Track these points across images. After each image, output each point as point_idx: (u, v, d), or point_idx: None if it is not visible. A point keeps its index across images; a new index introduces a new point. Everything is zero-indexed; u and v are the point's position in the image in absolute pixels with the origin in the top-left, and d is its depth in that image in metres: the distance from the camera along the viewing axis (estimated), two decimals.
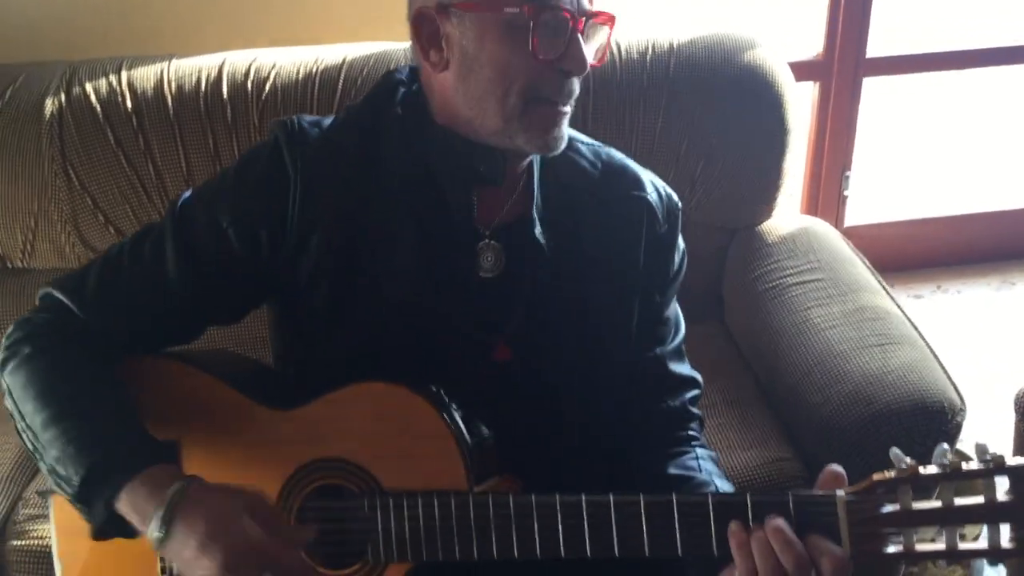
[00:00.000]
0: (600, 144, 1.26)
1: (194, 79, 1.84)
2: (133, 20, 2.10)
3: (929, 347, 1.67)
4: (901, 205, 3.49)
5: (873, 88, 2.76)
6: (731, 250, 2.02)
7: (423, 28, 1.10)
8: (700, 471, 1.23)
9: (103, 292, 1.15)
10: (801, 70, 2.36)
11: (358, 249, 1.14)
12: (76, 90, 1.83)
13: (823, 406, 1.61)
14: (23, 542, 1.53)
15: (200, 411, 1.17)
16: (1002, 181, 3.69)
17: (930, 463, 0.98)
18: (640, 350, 1.25)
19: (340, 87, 1.84)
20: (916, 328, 1.72)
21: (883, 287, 1.84)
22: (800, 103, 1.98)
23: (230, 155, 1.83)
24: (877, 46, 2.68)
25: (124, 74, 1.85)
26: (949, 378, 1.60)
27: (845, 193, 2.83)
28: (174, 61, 1.88)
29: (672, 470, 1.23)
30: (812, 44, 2.67)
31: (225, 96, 1.83)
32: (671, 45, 1.92)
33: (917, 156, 4.09)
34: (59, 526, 1.21)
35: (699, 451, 1.27)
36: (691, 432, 1.28)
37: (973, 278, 3.01)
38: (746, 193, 1.97)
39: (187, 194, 1.19)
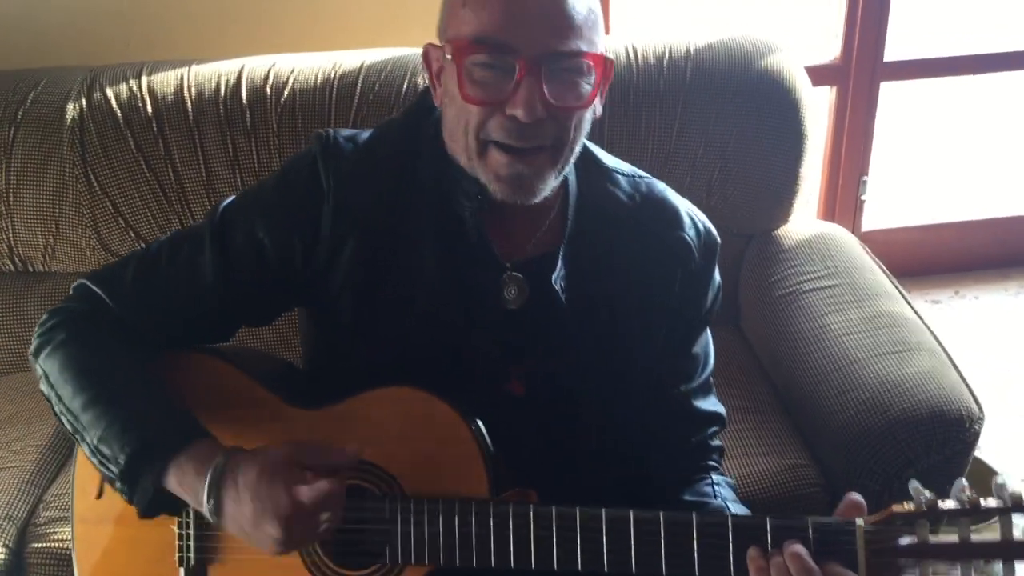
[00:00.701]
0: (640, 175, 1.24)
1: (213, 84, 1.86)
2: (153, 26, 2.12)
3: (947, 354, 1.66)
4: (919, 210, 3.48)
5: (890, 92, 2.74)
6: (747, 256, 2.02)
7: (431, 64, 1.13)
8: (715, 497, 1.23)
9: (138, 289, 1.16)
10: (818, 74, 2.35)
11: (386, 263, 1.15)
12: (97, 95, 1.85)
13: (840, 413, 1.60)
14: (43, 544, 1.54)
15: (228, 405, 1.18)
16: (1020, 186, 3.66)
17: (948, 497, 0.99)
18: (665, 387, 1.25)
19: (358, 92, 1.85)
20: (934, 335, 1.71)
21: (900, 293, 1.83)
22: (817, 108, 1.97)
23: (249, 160, 1.84)
24: (895, 50, 2.67)
25: (144, 79, 1.87)
26: (967, 386, 1.59)
27: (862, 198, 2.82)
28: (194, 66, 1.89)
29: (687, 496, 1.23)
30: (829, 48, 2.67)
31: (244, 101, 1.84)
32: (688, 50, 1.92)
33: (935, 161, 4.07)
34: (79, 514, 1.23)
35: (715, 477, 1.27)
36: (711, 463, 1.29)
37: (991, 284, 2.99)
38: (762, 198, 1.97)
39: (229, 200, 1.20)
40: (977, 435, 1.54)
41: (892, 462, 1.52)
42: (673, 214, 1.22)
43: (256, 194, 1.20)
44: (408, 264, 1.15)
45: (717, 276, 1.26)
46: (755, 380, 1.86)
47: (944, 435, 1.52)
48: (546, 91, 1.03)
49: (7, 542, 1.54)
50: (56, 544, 1.53)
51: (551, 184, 1.10)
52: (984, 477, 2.18)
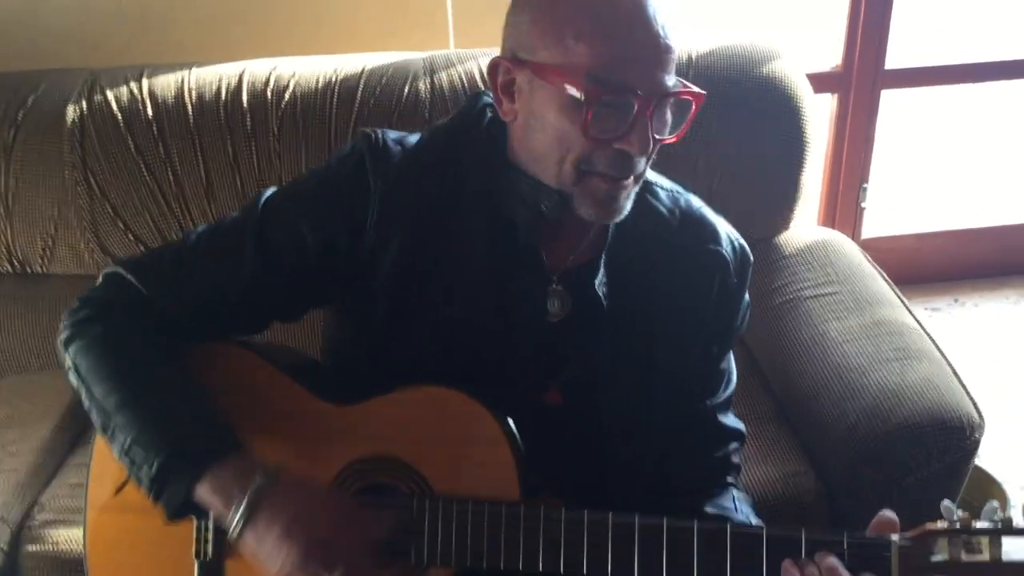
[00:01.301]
0: (680, 190, 1.25)
1: (214, 87, 1.85)
2: (155, 29, 2.12)
3: (948, 362, 1.66)
4: (919, 217, 3.48)
5: (891, 100, 2.75)
6: None
7: (498, 76, 1.09)
8: (737, 512, 1.24)
9: (174, 279, 1.16)
10: (819, 81, 2.35)
11: (429, 268, 1.15)
12: (97, 98, 1.85)
13: (840, 420, 1.60)
14: (38, 547, 1.54)
15: (258, 397, 1.18)
16: (1020, 194, 3.67)
17: (981, 518, 1.01)
18: (692, 400, 1.25)
19: (359, 96, 1.85)
20: (934, 342, 1.71)
21: (901, 300, 1.83)
22: (818, 115, 1.97)
23: (249, 163, 1.84)
24: (896, 58, 2.67)
25: (145, 82, 1.87)
26: (968, 394, 1.59)
27: (863, 205, 2.82)
28: (194, 69, 1.89)
29: (709, 509, 1.24)
30: (831, 55, 2.67)
31: (245, 105, 1.84)
32: (689, 56, 1.91)
33: (935, 168, 4.07)
34: (93, 502, 1.23)
35: (735, 492, 1.27)
36: (730, 479, 1.29)
37: (991, 291, 2.99)
38: (763, 205, 1.97)
39: (270, 192, 1.19)
40: (977, 443, 1.54)
41: (892, 470, 1.52)
42: (711, 230, 1.23)
43: (300, 189, 1.19)
44: (452, 269, 1.15)
45: (747, 295, 1.27)
46: (754, 387, 1.85)
47: (945, 443, 1.51)
48: (654, 127, 1.04)
49: (1, 544, 1.53)
50: (51, 547, 1.53)
51: (631, 202, 1.11)
52: (984, 485, 2.18)
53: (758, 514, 1.27)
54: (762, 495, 1.58)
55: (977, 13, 5.36)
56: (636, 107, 1.02)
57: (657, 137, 1.05)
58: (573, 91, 1.01)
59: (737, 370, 1.32)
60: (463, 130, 1.17)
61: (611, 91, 1.01)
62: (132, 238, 1.86)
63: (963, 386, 1.60)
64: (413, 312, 1.16)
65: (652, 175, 1.24)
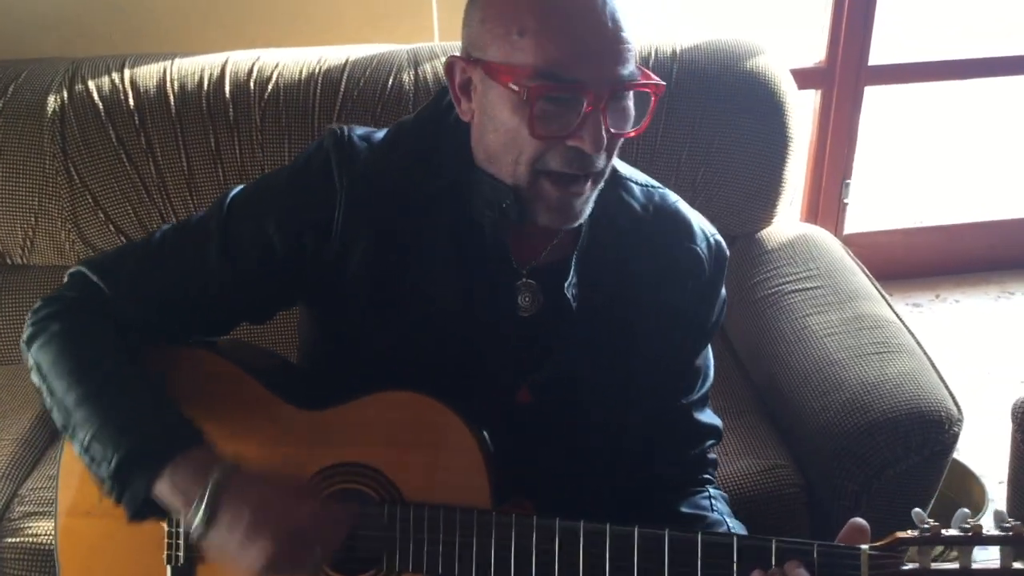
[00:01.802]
0: (655, 185, 1.24)
1: (197, 78, 1.84)
2: (137, 18, 2.10)
3: (927, 356, 1.67)
4: (901, 214, 3.50)
5: (874, 96, 2.76)
6: (730, 257, 2.01)
7: (455, 76, 1.08)
8: (712, 510, 1.24)
9: (138, 279, 1.14)
10: (803, 77, 2.36)
11: (398, 264, 1.14)
12: (79, 87, 1.84)
13: (820, 414, 1.61)
14: (18, 539, 1.53)
15: (225, 402, 1.16)
16: (1001, 191, 3.69)
17: (951, 526, 1.01)
18: (668, 398, 1.25)
19: (343, 88, 1.84)
20: (915, 337, 1.72)
21: (882, 295, 1.84)
22: (802, 110, 1.98)
23: (231, 154, 1.83)
24: (879, 54, 2.68)
25: (127, 72, 1.85)
26: (947, 388, 1.60)
27: (845, 201, 2.83)
28: (177, 60, 1.88)
29: (685, 508, 1.24)
30: (815, 51, 2.67)
31: (227, 95, 1.83)
32: (674, 51, 1.92)
33: (917, 165, 4.09)
34: (64, 507, 1.21)
35: (711, 491, 1.27)
36: (706, 476, 1.29)
37: (972, 287, 3.01)
38: (746, 200, 1.97)
39: (236, 191, 1.18)
40: (956, 437, 1.55)
41: (871, 463, 1.53)
42: (686, 226, 1.22)
43: (266, 187, 1.18)
44: (420, 266, 1.14)
45: (723, 290, 1.26)
46: (736, 380, 1.86)
47: (923, 436, 1.52)
48: (609, 121, 1.02)
49: None
50: (31, 539, 1.52)
51: (591, 205, 1.10)
52: (963, 479, 2.20)
53: (737, 509, 1.27)
54: (742, 488, 1.59)
55: (961, 9, 5.39)
56: (586, 102, 1.00)
57: (614, 131, 1.03)
58: (515, 88, 0.99)
59: (718, 363, 1.32)
60: (430, 125, 1.16)
61: (555, 87, 0.99)
62: (113, 229, 1.85)
63: (942, 380, 1.61)
64: (383, 309, 1.15)
65: (628, 170, 1.23)
